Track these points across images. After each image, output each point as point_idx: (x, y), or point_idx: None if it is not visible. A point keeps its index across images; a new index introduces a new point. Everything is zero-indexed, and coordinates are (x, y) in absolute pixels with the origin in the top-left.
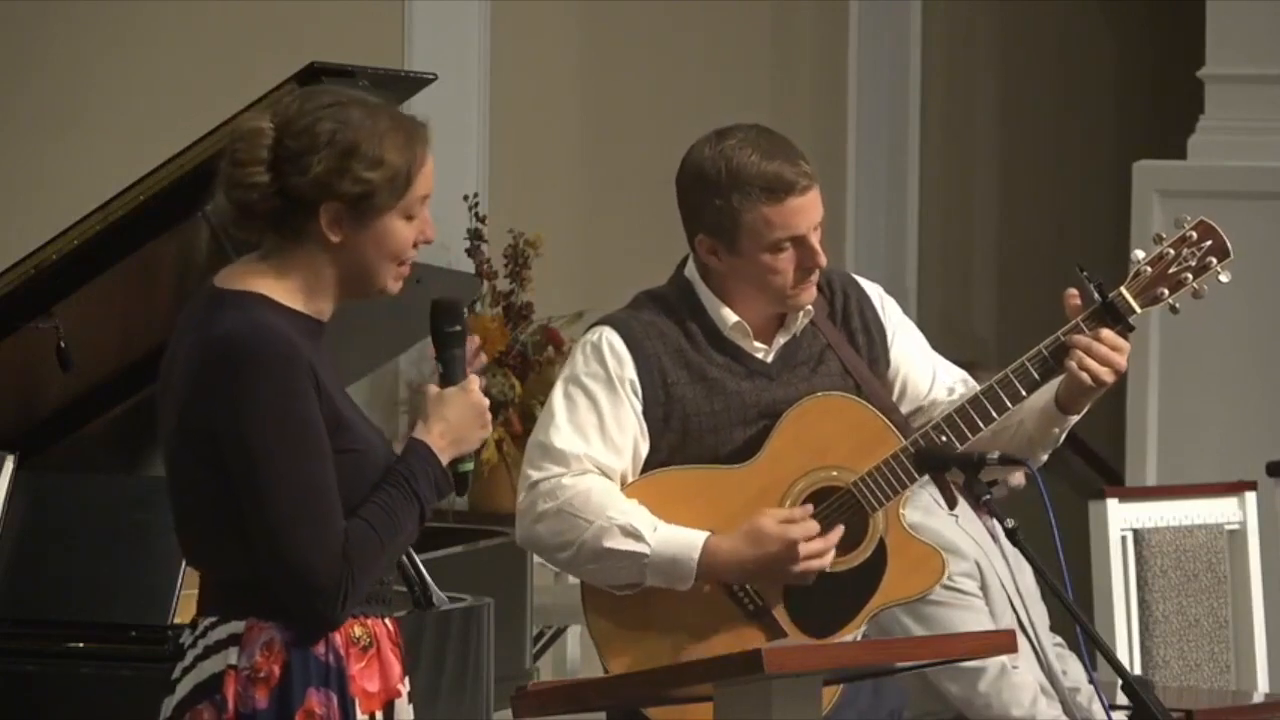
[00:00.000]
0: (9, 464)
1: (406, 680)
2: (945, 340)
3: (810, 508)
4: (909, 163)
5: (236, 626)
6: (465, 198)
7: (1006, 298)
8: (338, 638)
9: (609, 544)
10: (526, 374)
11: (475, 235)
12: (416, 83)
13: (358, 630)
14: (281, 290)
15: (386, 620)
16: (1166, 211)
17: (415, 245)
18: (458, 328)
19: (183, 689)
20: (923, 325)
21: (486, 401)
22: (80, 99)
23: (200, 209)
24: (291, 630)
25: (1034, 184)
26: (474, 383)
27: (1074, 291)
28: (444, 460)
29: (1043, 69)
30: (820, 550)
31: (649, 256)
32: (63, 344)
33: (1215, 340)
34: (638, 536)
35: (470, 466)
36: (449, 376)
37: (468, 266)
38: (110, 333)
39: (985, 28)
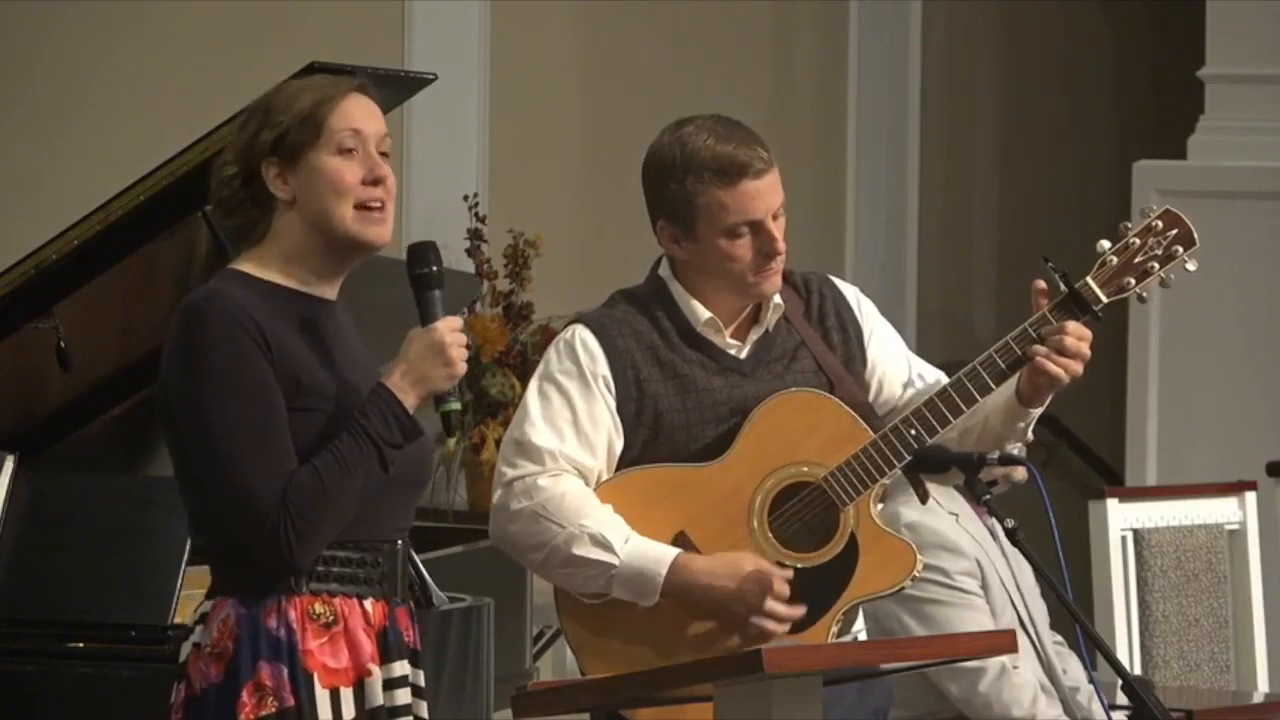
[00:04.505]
0: (9, 464)
1: (398, 666)
2: (945, 340)
3: (790, 572)
4: (909, 162)
5: (206, 606)
6: (465, 198)
7: (1006, 297)
8: (292, 612)
9: (578, 551)
10: (526, 374)
11: (475, 235)
12: (416, 83)
13: (319, 607)
14: (258, 266)
15: (366, 602)
16: None
17: (372, 184)
18: (426, 270)
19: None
20: (922, 324)
21: (452, 339)
22: (80, 99)
23: (200, 209)
24: (246, 604)
25: (1034, 184)
26: (442, 323)
27: (1042, 283)
28: (408, 401)
29: (1043, 69)
30: (784, 615)
31: (649, 257)
32: (63, 344)
33: (1215, 340)
34: (607, 547)
35: (454, 406)
36: (423, 319)
37: (468, 266)
38: (110, 333)
39: (985, 28)
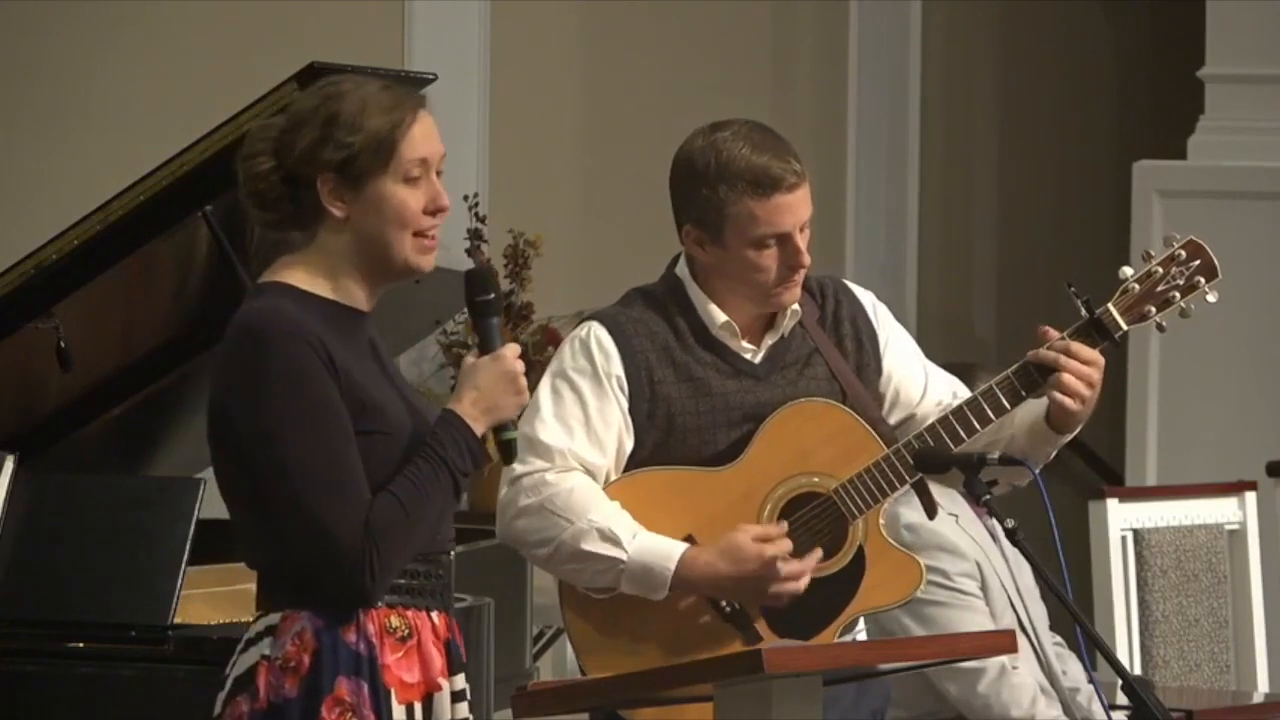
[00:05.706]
0: (9, 464)
1: (460, 679)
2: (945, 341)
3: (785, 525)
4: (909, 163)
5: (273, 618)
6: (465, 198)
7: (1006, 298)
8: (371, 626)
9: (586, 546)
10: (527, 374)
11: (475, 235)
12: (416, 83)
13: (395, 620)
14: (305, 278)
15: (433, 614)
16: (1166, 211)
17: (433, 214)
18: (488, 296)
19: (228, 684)
20: (922, 325)
21: (520, 368)
22: (80, 99)
23: (200, 209)
24: (323, 617)
25: (1034, 184)
26: (508, 350)
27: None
28: (478, 429)
29: (1043, 69)
30: (797, 572)
31: (649, 256)
32: (63, 344)
33: (1215, 341)
34: (616, 542)
35: (514, 434)
36: (484, 345)
37: (468, 266)
38: (110, 333)
39: (985, 28)
